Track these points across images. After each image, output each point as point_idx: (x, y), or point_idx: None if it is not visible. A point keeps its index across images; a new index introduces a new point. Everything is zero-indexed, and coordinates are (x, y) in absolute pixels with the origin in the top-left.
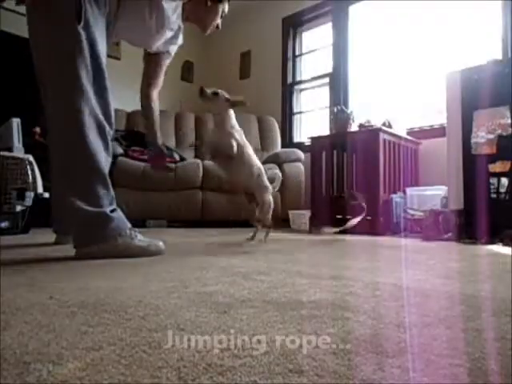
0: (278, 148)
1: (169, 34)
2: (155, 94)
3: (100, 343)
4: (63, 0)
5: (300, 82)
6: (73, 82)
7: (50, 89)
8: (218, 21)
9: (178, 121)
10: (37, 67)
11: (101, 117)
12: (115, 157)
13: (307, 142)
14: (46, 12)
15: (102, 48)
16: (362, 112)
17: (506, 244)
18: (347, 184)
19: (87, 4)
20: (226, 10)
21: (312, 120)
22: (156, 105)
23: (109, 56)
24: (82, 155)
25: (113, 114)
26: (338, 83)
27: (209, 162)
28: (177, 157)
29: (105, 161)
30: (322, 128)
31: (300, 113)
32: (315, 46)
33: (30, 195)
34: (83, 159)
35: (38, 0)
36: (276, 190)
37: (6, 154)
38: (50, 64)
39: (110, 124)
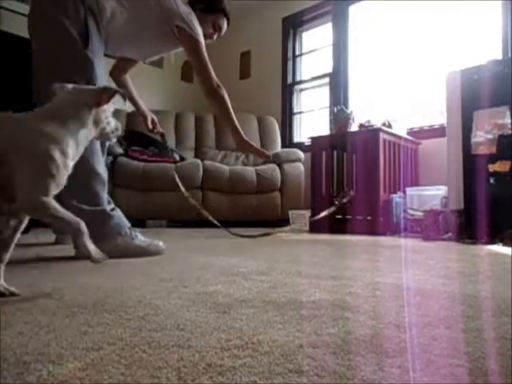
0: (278, 148)
1: None
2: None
3: (100, 343)
4: (72, 24)
5: (300, 82)
6: None
7: None
8: (211, 31)
9: (178, 121)
10: (38, 83)
11: None
12: (115, 157)
13: (307, 142)
14: (55, 35)
15: (99, 70)
16: (362, 112)
17: (506, 244)
18: (347, 184)
19: (92, 29)
20: (223, 26)
21: (312, 120)
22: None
23: (108, 56)
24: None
25: None
26: (338, 83)
27: (209, 162)
28: (177, 157)
29: (102, 164)
30: (322, 128)
31: (300, 113)
32: (315, 46)
33: None
34: (82, 162)
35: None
36: None
37: None
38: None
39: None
